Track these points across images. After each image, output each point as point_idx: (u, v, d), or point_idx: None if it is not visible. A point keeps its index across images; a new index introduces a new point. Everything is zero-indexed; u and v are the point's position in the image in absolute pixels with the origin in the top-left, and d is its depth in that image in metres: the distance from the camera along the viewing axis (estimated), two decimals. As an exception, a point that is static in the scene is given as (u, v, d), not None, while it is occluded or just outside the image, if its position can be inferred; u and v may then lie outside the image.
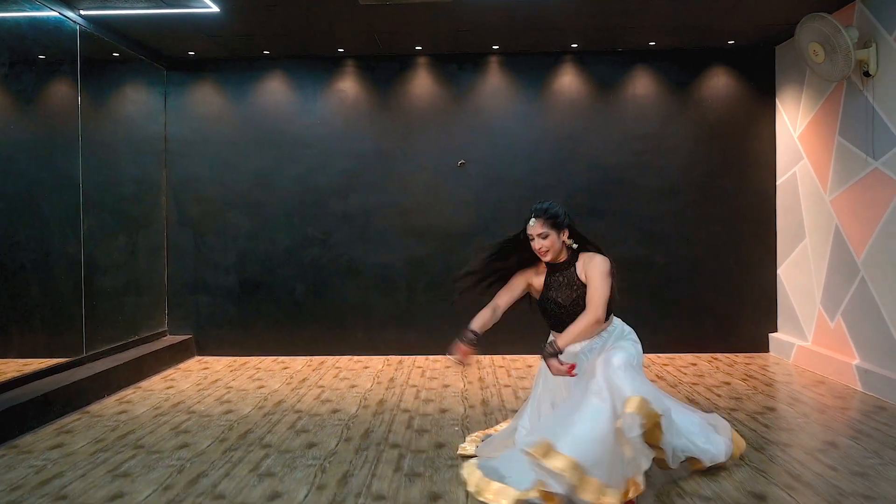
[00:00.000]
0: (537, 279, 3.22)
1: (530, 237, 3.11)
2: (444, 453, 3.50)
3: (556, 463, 2.59)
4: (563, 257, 3.15)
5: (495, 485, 2.83)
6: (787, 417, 4.15)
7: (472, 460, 3.16)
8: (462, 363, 3.09)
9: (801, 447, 3.58)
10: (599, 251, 3.18)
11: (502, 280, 3.28)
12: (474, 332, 3.09)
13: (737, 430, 3.67)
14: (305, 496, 2.95)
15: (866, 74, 4.79)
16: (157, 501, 2.90)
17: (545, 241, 3.07)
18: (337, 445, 3.66)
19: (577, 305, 3.09)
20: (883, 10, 4.63)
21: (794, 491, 2.97)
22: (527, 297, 3.33)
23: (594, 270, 3.04)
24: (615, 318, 3.25)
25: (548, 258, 3.12)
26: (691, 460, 3.09)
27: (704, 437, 3.13)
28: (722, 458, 3.13)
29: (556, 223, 3.08)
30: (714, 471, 3.18)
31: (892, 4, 4.54)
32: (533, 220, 3.08)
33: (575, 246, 3.15)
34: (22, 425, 3.93)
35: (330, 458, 3.46)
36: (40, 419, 4.09)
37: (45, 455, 3.53)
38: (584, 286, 3.09)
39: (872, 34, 4.72)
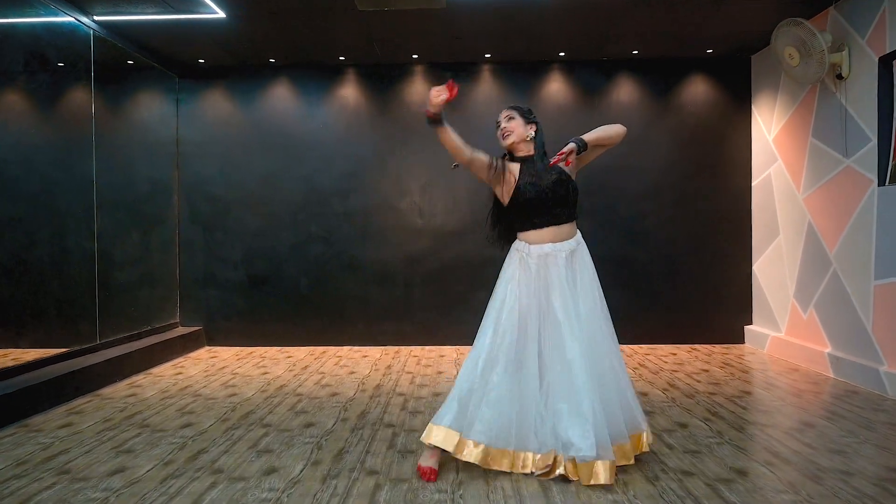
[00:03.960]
0: (509, 178, 2.92)
1: (497, 125, 2.99)
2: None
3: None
4: (531, 152, 2.97)
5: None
6: (764, 401, 4.02)
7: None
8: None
9: (778, 427, 3.45)
10: None
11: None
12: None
13: (722, 419, 3.55)
14: (301, 471, 2.82)
15: (839, 77, 4.68)
16: (157, 475, 2.76)
17: (509, 123, 2.94)
18: (334, 425, 3.53)
19: (559, 185, 2.88)
20: (855, 15, 4.53)
21: (773, 466, 2.84)
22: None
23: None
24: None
25: (509, 140, 2.94)
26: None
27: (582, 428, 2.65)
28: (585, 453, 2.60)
29: (521, 112, 2.98)
30: (695, 450, 3.06)
31: (863, 10, 4.44)
32: (506, 111, 2.99)
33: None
34: (35, 406, 3.79)
35: (327, 436, 3.33)
36: (53, 401, 3.95)
37: (54, 433, 3.40)
38: (562, 170, 2.92)
39: (845, 38, 4.62)
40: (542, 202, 2.87)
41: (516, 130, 2.94)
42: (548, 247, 2.87)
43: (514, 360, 2.79)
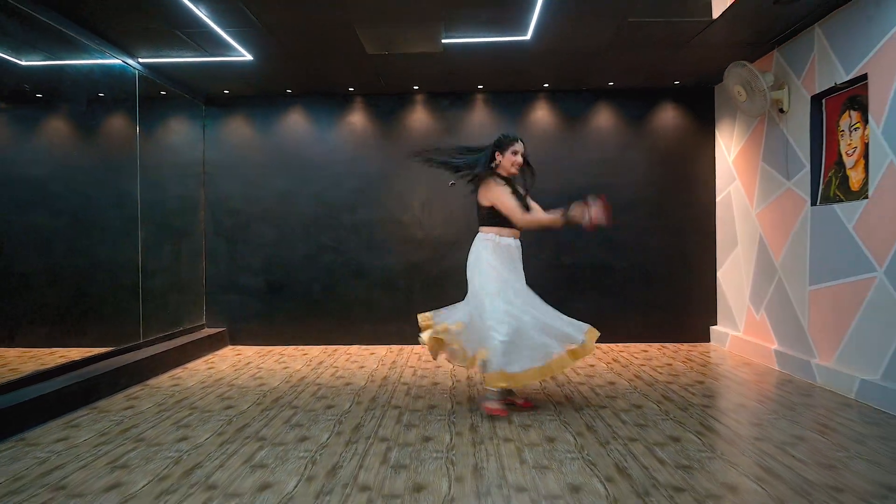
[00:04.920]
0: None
1: (515, 152, 4.15)
2: (434, 412, 4.11)
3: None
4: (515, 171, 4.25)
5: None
6: (712, 388, 4.75)
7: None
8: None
9: (717, 408, 4.18)
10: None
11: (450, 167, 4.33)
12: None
13: (673, 402, 4.28)
14: (327, 438, 3.55)
15: (781, 111, 5.43)
16: (214, 443, 3.50)
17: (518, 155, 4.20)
18: (350, 407, 4.27)
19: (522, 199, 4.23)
20: (794, 58, 5.27)
21: (703, 436, 3.57)
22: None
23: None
24: None
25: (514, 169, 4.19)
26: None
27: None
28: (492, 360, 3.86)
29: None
30: (643, 424, 3.79)
31: (799, 54, 5.18)
32: (520, 142, 4.19)
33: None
34: (98, 393, 4.53)
35: (345, 415, 4.07)
36: (111, 389, 4.69)
37: (121, 413, 4.13)
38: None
39: (785, 78, 5.37)
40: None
41: (516, 160, 4.20)
42: (512, 240, 4.22)
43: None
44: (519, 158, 4.14)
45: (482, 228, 4.25)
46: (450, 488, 2.82)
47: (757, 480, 2.88)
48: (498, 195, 4.10)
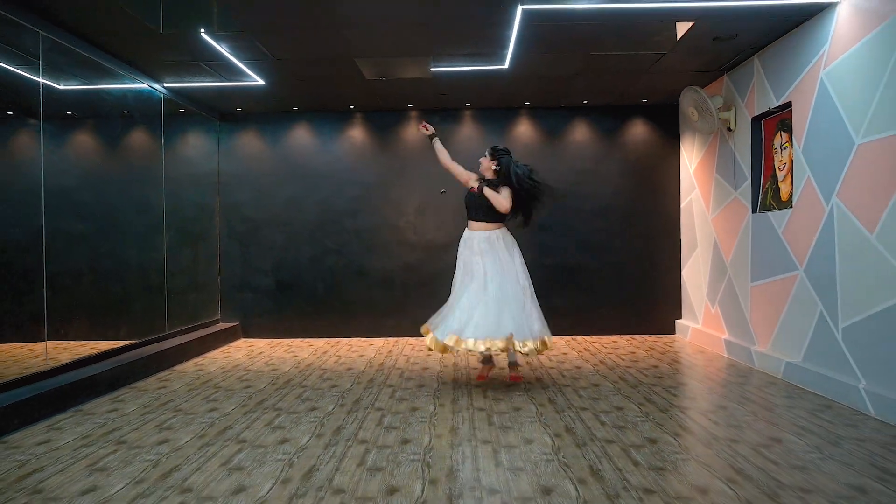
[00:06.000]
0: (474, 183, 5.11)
1: (480, 163, 5.16)
2: (422, 391, 4.85)
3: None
4: (493, 176, 5.08)
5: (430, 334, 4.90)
6: (664, 371, 5.49)
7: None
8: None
9: (661, 386, 4.92)
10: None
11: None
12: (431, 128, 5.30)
13: (626, 382, 5.01)
14: (332, 409, 4.30)
15: (729, 129, 6.17)
16: (239, 412, 4.24)
17: (482, 160, 5.14)
18: (351, 386, 5.01)
19: (482, 198, 5.01)
20: (739, 83, 6.01)
21: (644, 407, 4.31)
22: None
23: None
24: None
25: (480, 169, 5.14)
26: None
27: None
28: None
29: (493, 155, 5.09)
30: (595, 397, 4.54)
31: (743, 79, 5.92)
32: (486, 155, 5.13)
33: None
34: (135, 376, 5.28)
35: (346, 392, 4.81)
36: (146, 373, 5.44)
37: (156, 392, 4.88)
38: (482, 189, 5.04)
39: (732, 100, 6.12)
40: (475, 209, 5.08)
41: (483, 164, 5.14)
42: (466, 233, 5.17)
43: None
44: (484, 165, 5.12)
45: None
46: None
47: (674, 436, 3.63)
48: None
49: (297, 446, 3.52)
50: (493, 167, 5.05)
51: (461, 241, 5.16)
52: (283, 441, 3.61)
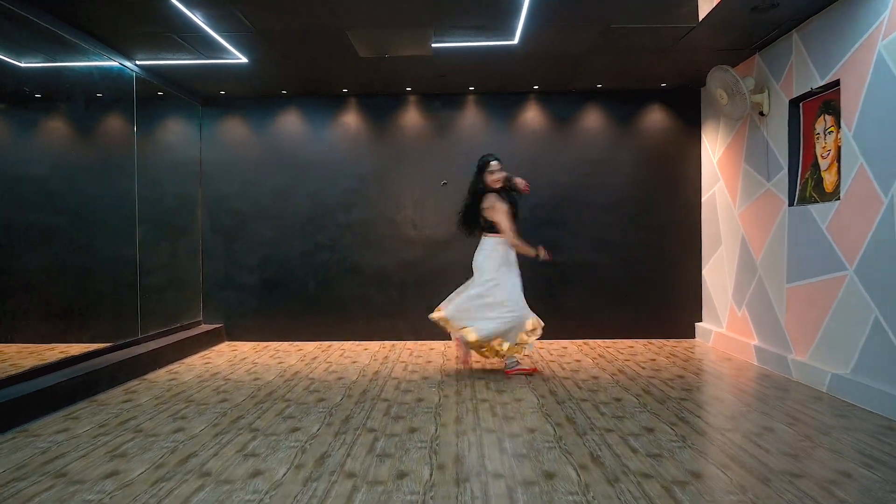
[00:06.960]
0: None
1: (492, 171, 5.19)
2: (422, 405, 4.27)
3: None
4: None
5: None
6: (690, 382, 4.91)
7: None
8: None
9: (692, 401, 4.34)
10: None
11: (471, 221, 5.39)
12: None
13: (650, 393, 4.43)
14: (318, 429, 3.71)
15: (761, 114, 5.58)
16: (209, 434, 3.66)
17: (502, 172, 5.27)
18: (341, 400, 4.43)
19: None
20: (774, 62, 5.42)
21: (675, 426, 3.73)
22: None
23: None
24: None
25: (500, 184, 5.18)
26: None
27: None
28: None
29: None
30: (620, 416, 3.95)
31: (779, 58, 5.33)
32: (495, 161, 5.21)
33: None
34: (96, 388, 4.68)
35: (335, 407, 4.23)
36: (111, 383, 4.85)
37: (119, 406, 4.29)
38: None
39: (765, 82, 5.52)
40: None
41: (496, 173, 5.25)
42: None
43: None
44: (496, 175, 5.19)
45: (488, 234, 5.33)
46: (431, 475, 2.98)
47: (722, 468, 3.04)
48: (495, 213, 5.18)
49: (272, 481, 2.93)
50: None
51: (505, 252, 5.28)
52: (256, 474, 3.02)
